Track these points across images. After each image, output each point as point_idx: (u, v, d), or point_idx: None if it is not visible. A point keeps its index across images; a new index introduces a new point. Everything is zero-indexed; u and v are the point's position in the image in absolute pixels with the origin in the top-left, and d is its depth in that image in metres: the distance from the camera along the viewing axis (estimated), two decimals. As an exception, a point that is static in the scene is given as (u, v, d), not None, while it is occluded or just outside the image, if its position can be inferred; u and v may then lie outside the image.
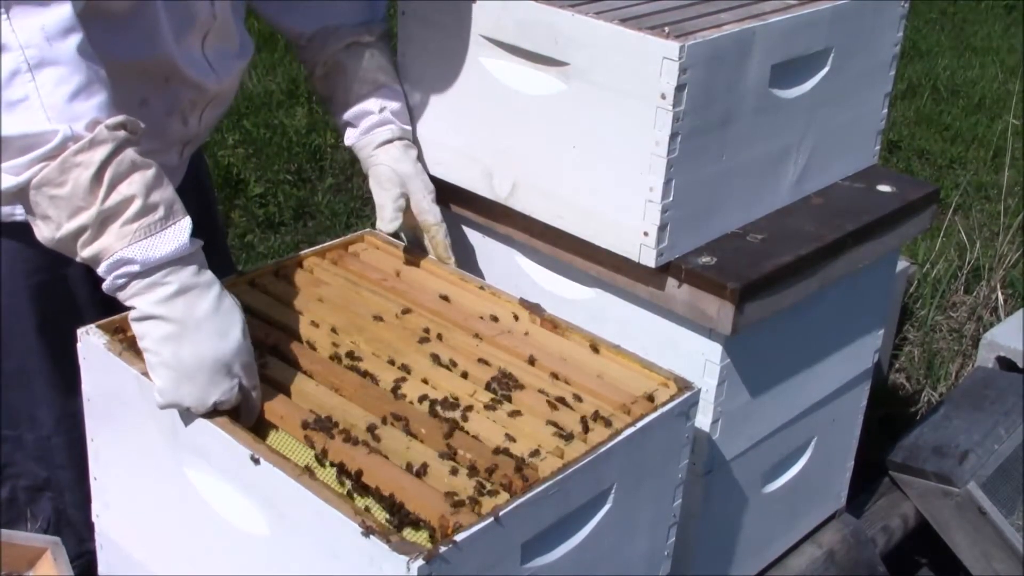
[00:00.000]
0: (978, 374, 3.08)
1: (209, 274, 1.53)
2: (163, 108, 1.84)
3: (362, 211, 4.40)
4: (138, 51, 1.73)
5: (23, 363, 1.92)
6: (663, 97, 1.68)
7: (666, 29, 1.69)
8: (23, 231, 1.78)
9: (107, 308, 1.73)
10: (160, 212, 1.47)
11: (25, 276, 1.86)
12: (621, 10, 1.79)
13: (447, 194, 2.04)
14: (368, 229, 2.07)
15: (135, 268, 1.46)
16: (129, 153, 1.46)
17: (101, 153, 1.43)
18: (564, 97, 1.80)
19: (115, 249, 1.46)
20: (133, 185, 1.46)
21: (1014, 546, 2.61)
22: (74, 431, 1.89)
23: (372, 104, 2.02)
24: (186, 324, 1.49)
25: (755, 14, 1.81)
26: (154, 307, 1.48)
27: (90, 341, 1.65)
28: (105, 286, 1.49)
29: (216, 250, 2.18)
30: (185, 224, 1.50)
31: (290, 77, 5.34)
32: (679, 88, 1.67)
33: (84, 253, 1.47)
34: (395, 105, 2.02)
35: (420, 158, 2.04)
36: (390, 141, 2.01)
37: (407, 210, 2.00)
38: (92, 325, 1.67)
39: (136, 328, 1.51)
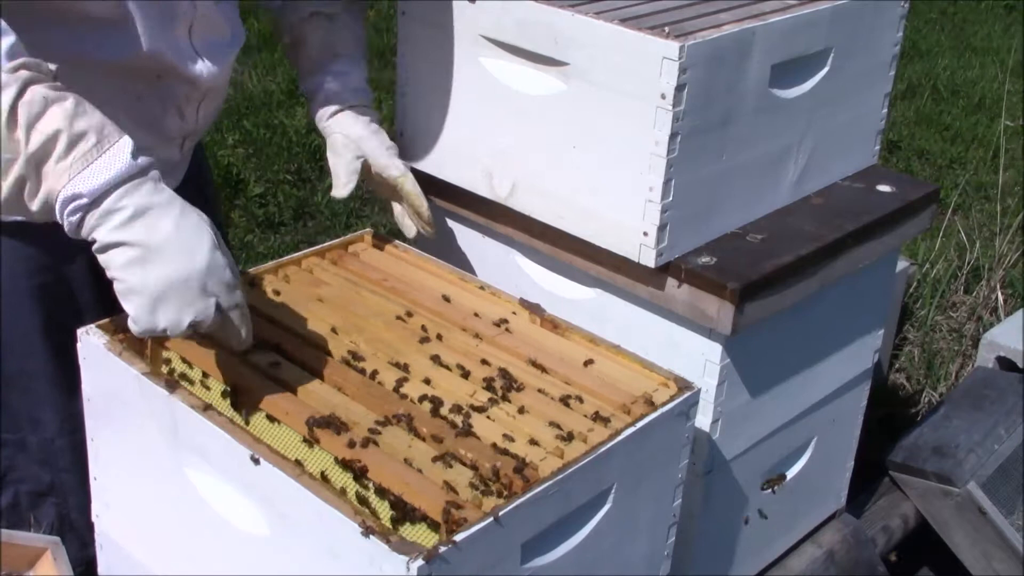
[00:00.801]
0: (978, 374, 3.09)
1: (167, 192, 1.47)
2: (158, 104, 1.83)
3: (362, 211, 4.40)
4: (125, 50, 1.72)
5: (25, 365, 1.92)
6: (663, 97, 1.68)
7: (666, 29, 1.69)
8: (24, 230, 1.78)
9: (109, 309, 1.72)
10: (92, 139, 1.41)
11: (27, 277, 1.86)
12: (621, 10, 1.79)
13: (447, 194, 2.04)
14: (368, 229, 2.07)
15: (84, 201, 1.40)
16: (39, 90, 1.40)
17: (6, 98, 1.37)
18: (564, 97, 1.80)
19: (58, 189, 1.40)
20: (54, 120, 1.40)
21: (1014, 546, 2.61)
22: (77, 433, 1.89)
23: (327, 75, 2.02)
24: (148, 246, 1.43)
25: (755, 14, 1.81)
26: (113, 234, 1.43)
27: (90, 341, 1.65)
28: (67, 230, 1.44)
29: None
30: (124, 144, 1.44)
31: (290, 77, 5.34)
32: (679, 88, 1.67)
33: (34, 206, 1.42)
34: (350, 76, 2.02)
35: (376, 122, 2.04)
36: (341, 111, 2.01)
37: (387, 185, 1.99)
38: (92, 325, 1.67)
39: (101, 260, 1.46)
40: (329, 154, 2.03)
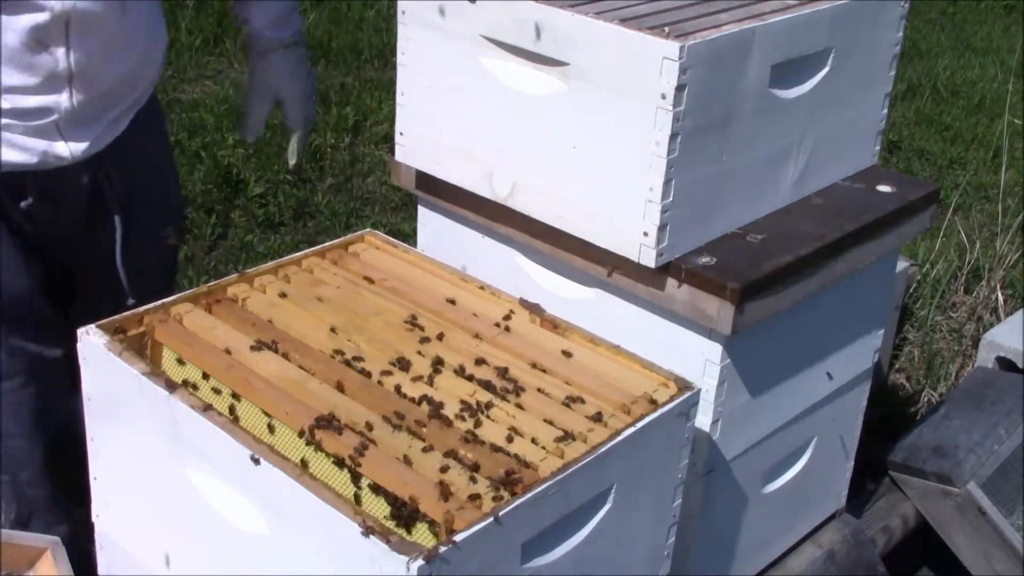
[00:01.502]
0: (978, 374, 3.09)
1: None
2: (13, 35, 1.75)
3: (362, 211, 4.40)
4: None
5: None
6: (663, 97, 1.68)
7: (666, 29, 1.69)
8: None
9: (26, 247, 1.69)
10: None
11: None
12: (621, 10, 1.79)
13: (447, 194, 2.04)
14: (368, 229, 2.07)
15: None
16: None
17: None
18: (564, 97, 1.80)
19: None
20: None
21: (1014, 546, 2.61)
22: (19, 392, 1.84)
23: (248, 8, 2.05)
24: None
25: (755, 14, 1.81)
26: None
27: (90, 341, 1.65)
28: None
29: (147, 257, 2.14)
30: None
31: (290, 77, 5.33)
32: (679, 88, 1.67)
33: None
34: (268, 11, 2.04)
35: (299, 60, 2.08)
36: (265, 52, 2.04)
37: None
38: (92, 325, 1.67)
39: None
40: (247, 92, 2.08)
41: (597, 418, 1.59)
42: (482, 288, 1.90)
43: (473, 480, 1.44)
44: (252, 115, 2.07)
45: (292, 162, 2.13)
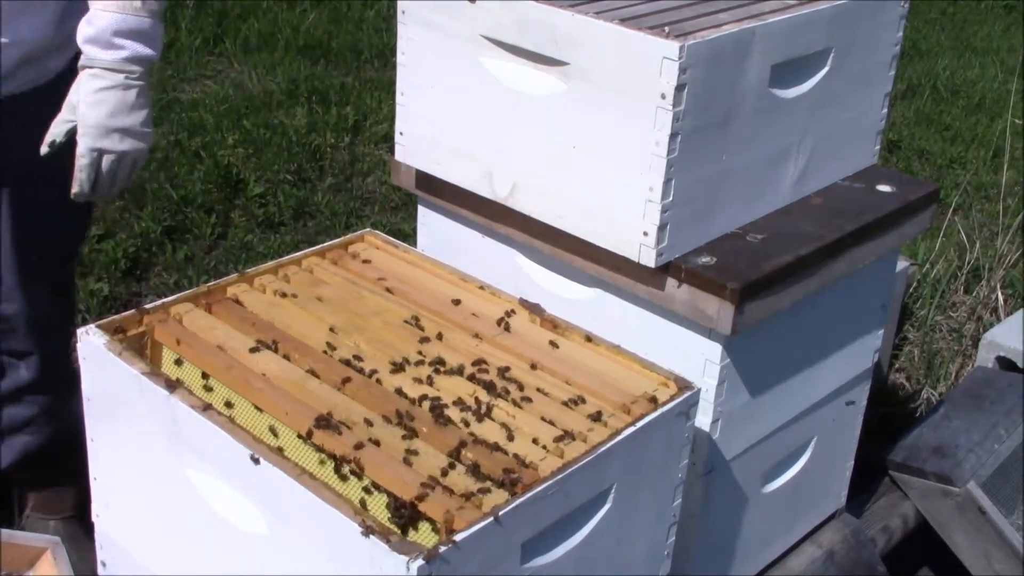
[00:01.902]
0: (978, 374, 3.09)
1: None
2: None
3: (362, 211, 4.40)
4: None
5: None
6: (663, 97, 1.68)
7: (666, 29, 1.70)
8: None
9: None
10: None
11: None
12: (621, 10, 1.79)
13: (447, 194, 2.04)
14: (368, 229, 2.07)
15: None
16: None
17: None
18: (564, 97, 1.80)
19: None
20: None
21: (1014, 546, 2.61)
22: None
23: (81, 22, 1.96)
24: None
25: (755, 14, 1.81)
26: None
27: (90, 341, 1.65)
28: None
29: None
30: None
31: (290, 77, 5.34)
32: (679, 88, 1.67)
33: None
34: (86, 26, 1.95)
35: (117, 93, 1.96)
36: (81, 67, 1.96)
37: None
38: (92, 325, 1.67)
39: None
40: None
41: (597, 418, 1.59)
42: (482, 288, 1.90)
43: (473, 480, 1.44)
44: (51, 127, 1.97)
45: (73, 191, 1.98)
